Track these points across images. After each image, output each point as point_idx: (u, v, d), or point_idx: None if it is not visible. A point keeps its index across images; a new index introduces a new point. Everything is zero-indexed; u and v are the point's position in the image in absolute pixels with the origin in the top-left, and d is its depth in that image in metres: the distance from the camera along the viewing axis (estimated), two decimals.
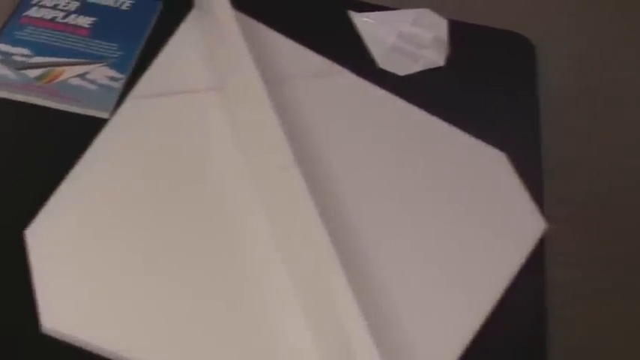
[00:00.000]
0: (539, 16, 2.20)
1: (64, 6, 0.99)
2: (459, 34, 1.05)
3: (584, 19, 2.30)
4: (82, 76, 0.91)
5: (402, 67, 1.00)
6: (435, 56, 1.02)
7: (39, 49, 0.93)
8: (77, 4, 1.00)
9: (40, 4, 0.99)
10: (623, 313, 1.66)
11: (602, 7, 2.32)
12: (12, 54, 0.92)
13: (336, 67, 0.95)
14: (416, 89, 0.97)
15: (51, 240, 0.74)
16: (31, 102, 0.88)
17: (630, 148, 1.96)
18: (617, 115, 2.05)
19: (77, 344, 0.68)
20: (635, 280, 1.72)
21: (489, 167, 0.87)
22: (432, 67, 1.01)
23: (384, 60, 1.01)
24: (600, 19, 2.30)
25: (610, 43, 2.24)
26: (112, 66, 0.93)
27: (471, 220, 0.81)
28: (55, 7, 0.99)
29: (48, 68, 0.91)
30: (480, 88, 1.00)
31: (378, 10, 1.08)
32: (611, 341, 1.59)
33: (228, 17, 0.88)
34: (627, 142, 1.98)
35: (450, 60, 1.02)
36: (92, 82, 0.91)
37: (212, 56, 0.92)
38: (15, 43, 0.93)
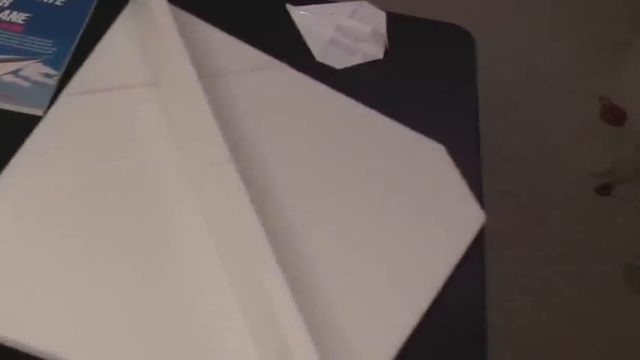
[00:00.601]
0: (479, 11, 2.23)
1: None
2: (398, 26, 1.06)
3: (521, 13, 2.34)
4: (15, 72, 0.89)
5: (339, 60, 1.01)
6: (373, 49, 1.02)
7: None
8: (11, 0, 0.97)
9: None
10: (566, 302, 1.69)
11: (539, 1, 2.37)
12: None
13: (274, 62, 0.96)
14: (354, 83, 0.98)
15: None
16: None
17: (567, 139, 2.01)
18: (554, 107, 2.09)
19: (7, 344, 0.66)
20: (575, 270, 1.75)
21: (428, 160, 0.88)
22: (370, 60, 1.02)
23: (321, 53, 1.01)
24: (536, 14, 2.34)
25: (545, 37, 2.29)
26: (47, 62, 0.91)
27: (410, 213, 0.82)
28: None
29: None
30: (418, 81, 1.01)
31: (316, 3, 1.08)
32: (555, 331, 1.62)
33: (162, 11, 0.88)
34: (564, 133, 2.03)
35: (388, 53, 1.03)
36: (26, 78, 0.89)
37: (147, 51, 0.92)
38: None
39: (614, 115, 1.98)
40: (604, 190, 1.89)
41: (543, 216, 1.84)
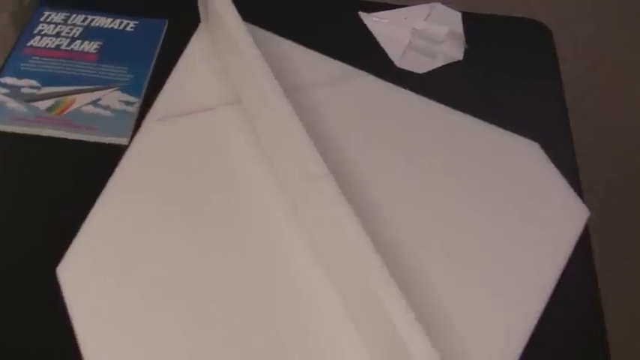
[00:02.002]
0: (546, 1, 2.21)
1: (68, 33, 0.99)
2: (474, 26, 1.06)
3: (587, 2, 2.31)
4: (94, 102, 0.90)
5: (420, 64, 1.00)
6: (452, 51, 1.02)
7: (46, 79, 0.93)
8: (80, 29, 0.99)
9: (43, 33, 0.98)
10: None
11: None
12: (19, 87, 0.92)
13: (354, 71, 0.95)
14: (437, 86, 0.97)
15: (83, 276, 0.73)
16: (45, 134, 0.88)
17: (632, 120, 1.98)
18: (625, 95, 2.06)
19: None
20: None
21: (525, 158, 0.87)
22: (450, 61, 1.02)
23: (401, 59, 1.01)
24: (603, 3, 2.32)
25: (609, 24, 2.26)
26: (125, 90, 0.92)
27: (514, 214, 0.81)
28: (58, 35, 0.98)
29: (58, 98, 0.91)
30: (501, 78, 1.00)
31: (388, 9, 1.08)
32: None
33: (239, 28, 0.88)
34: (637, 121, 2.00)
35: (468, 53, 1.03)
36: (106, 108, 0.90)
37: (226, 70, 0.92)
38: (21, 75, 0.93)
39: None
40: None
41: (625, 209, 1.82)
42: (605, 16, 2.34)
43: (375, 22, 1.05)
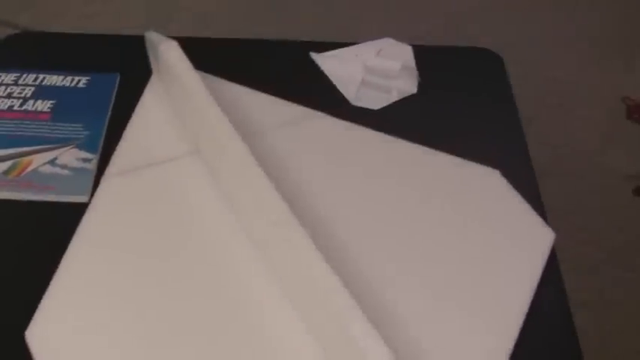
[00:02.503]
0: (482, 27, 2.25)
1: (19, 93, 0.98)
2: (425, 57, 1.07)
3: (527, 25, 2.36)
4: (52, 162, 0.90)
5: (375, 101, 1.02)
6: (406, 85, 1.03)
7: (2, 141, 0.92)
8: (32, 89, 0.99)
9: None
10: (628, 313, 1.68)
11: (541, 10, 2.39)
12: None
13: (310, 112, 0.96)
14: (394, 120, 0.99)
15: (52, 338, 0.72)
16: (3, 198, 0.87)
17: (595, 145, 2.01)
18: (577, 115, 2.10)
19: None
20: (632, 276, 1.74)
21: (487, 186, 0.88)
22: (405, 95, 1.03)
23: (356, 97, 1.02)
24: (541, 23, 2.37)
25: (555, 45, 2.31)
26: (81, 147, 0.92)
27: (482, 243, 0.82)
28: (9, 96, 0.98)
29: (15, 160, 0.90)
30: (457, 108, 1.02)
31: (339, 48, 1.09)
32: (624, 343, 1.60)
33: (191, 77, 0.89)
34: (591, 140, 2.03)
35: (422, 86, 1.04)
36: (63, 166, 0.90)
37: (182, 120, 0.92)
38: None
39: None
40: None
41: (589, 225, 1.84)
42: (550, 38, 2.38)
43: (327, 62, 1.06)
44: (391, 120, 0.99)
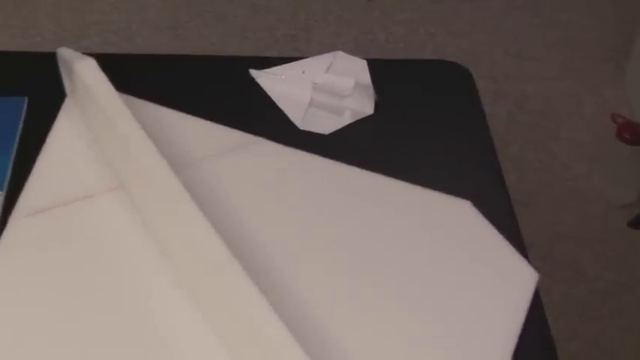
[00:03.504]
0: (451, 41, 2.29)
1: None
2: (383, 73, 1.09)
3: (499, 37, 2.40)
4: None
5: (325, 124, 1.04)
6: (361, 104, 1.05)
7: None
8: None
9: None
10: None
11: (516, 19, 2.44)
12: None
13: (250, 138, 0.97)
14: (348, 146, 1.01)
15: None
16: None
17: (581, 169, 2.04)
18: (560, 136, 2.14)
19: None
20: (627, 324, 1.77)
21: (456, 219, 0.89)
22: (360, 117, 1.05)
23: (303, 120, 1.04)
24: (516, 34, 2.41)
25: (532, 58, 2.35)
26: None
27: (453, 285, 0.83)
28: None
29: None
30: (420, 131, 1.04)
31: (282, 63, 1.10)
32: None
33: (113, 100, 0.89)
34: (577, 163, 2.07)
35: (379, 105, 1.06)
36: None
37: (102, 150, 0.92)
38: None
39: (632, 133, 2.00)
40: (638, 222, 1.91)
41: (576, 264, 1.86)
42: (523, 48, 2.42)
43: (269, 80, 1.07)
44: (344, 145, 1.01)
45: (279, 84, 1.07)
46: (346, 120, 1.04)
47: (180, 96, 1.02)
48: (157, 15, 2.43)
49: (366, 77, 1.08)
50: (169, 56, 1.12)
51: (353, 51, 1.13)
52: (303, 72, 1.08)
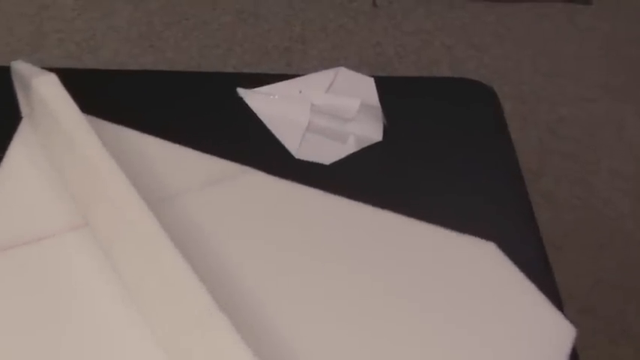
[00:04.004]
0: (472, 57, 2.29)
1: None
2: (393, 93, 1.10)
3: (526, 52, 2.40)
4: None
5: (325, 153, 1.04)
6: (368, 130, 1.06)
7: None
8: None
9: None
10: None
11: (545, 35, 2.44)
12: None
13: (239, 168, 0.97)
14: (352, 179, 1.01)
15: None
16: None
17: (626, 206, 2.04)
18: (600, 166, 2.13)
19: None
20: None
21: (479, 264, 0.90)
22: (366, 145, 1.06)
23: (299, 148, 1.04)
24: (546, 51, 2.41)
25: (565, 76, 2.34)
26: None
27: (477, 342, 0.83)
28: None
29: None
30: (436, 161, 1.05)
31: (276, 81, 1.11)
32: None
33: (77, 123, 0.90)
34: (620, 199, 2.06)
35: (389, 131, 1.07)
36: None
37: (64, 181, 0.93)
38: None
39: None
40: None
41: (621, 319, 1.85)
42: (556, 63, 2.41)
43: (260, 101, 1.08)
44: (348, 178, 1.02)
45: (271, 105, 1.08)
46: (350, 148, 1.05)
47: (154, 118, 1.03)
48: (126, 23, 2.43)
49: (373, 98, 1.08)
50: (141, 72, 1.12)
51: (357, 67, 1.12)
52: (300, 91, 1.09)
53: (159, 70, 1.11)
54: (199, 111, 1.09)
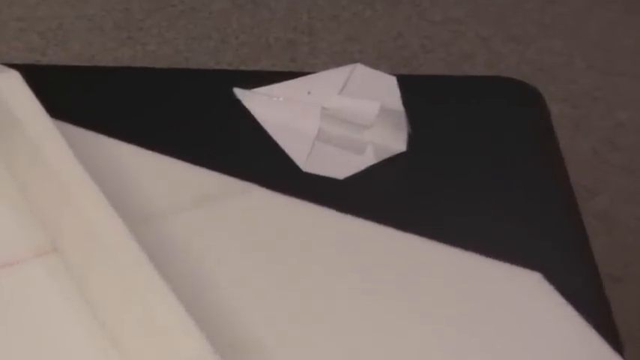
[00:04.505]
0: (516, 48, 2.29)
1: None
2: (419, 95, 1.10)
3: (570, 42, 2.40)
4: None
5: (339, 166, 1.05)
6: (389, 138, 1.07)
7: None
8: None
9: None
10: None
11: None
12: None
13: (236, 184, 0.98)
14: (370, 196, 1.02)
15: None
16: None
17: None
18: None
19: None
20: None
21: (522, 298, 0.90)
22: (388, 156, 1.06)
23: (308, 159, 1.04)
24: (600, 35, 2.41)
25: (621, 73, 2.34)
26: None
27: None
28: None
29: None
30: (470, 174, 1.06)
31: (279, 80, 1.12)
32: None
33: (45, 129, 0.90)
34: None
35: (413, 139, 1.07)
36: None
37: (29, 200, 0.94)
38: None
39: None
40: None
41: None
42: (613, 58, 2.41)
43: (261, 103, 1.09)
44: (365, 195, 1.02)
45: (274, 109, 1.08)
46: (368, 160, 1.05)
47: (134, 124, 1.04)
48: (99, 10, 2.43)
49: (395, 100, 1.09)
50: (118, 69, 1.12)
51: (376, 63, 1.13)
52: (309, 93, 1.10)
53: (139, 66, 1.11)
54: (188, 115, 1.10)
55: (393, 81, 1.10)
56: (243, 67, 1.12)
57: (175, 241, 0.92)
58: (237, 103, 1.10)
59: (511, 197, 1.04)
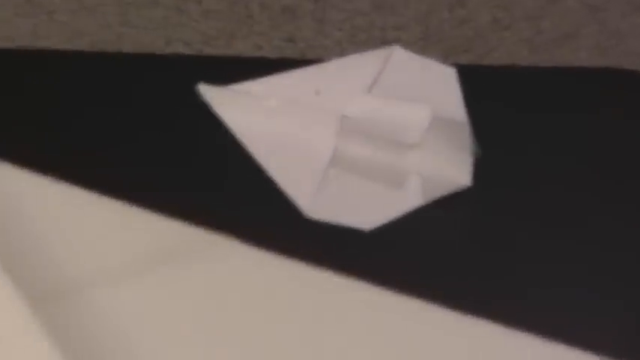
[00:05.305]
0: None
1: None
2: (490, 97, 1.11)
3: None
4: None
5: (365, 208, 1.04)
6: (445, 165, 1.05)
7: None
8: None
9: None
10: None
11: None
12: None
13: (203, 237, 0.97)
14: (412, 256, 1.01)
15: None
16: None
17: None
18: None
19: None
20: None
21: None
22: (443, 193, 1.05)
23: (315, 199, 1.04)
24: None
25: None
26: None
27: None
28: None
29: None
30: (570, 224, 1.05)
31: (274, 71, 1.11)
32: None
33: None
34: None
35: (482, 166, 1.06)
36: None
37: None
38: None
39: None
40: None
41: None
42: None
43: (242, 109, 1.09)
44: (404, 255, 1.01)
45: (262, 118, 1.08)
46: (412, 199, 1.04)
47: (48, 137, 1.06)
48: None
49: (454, 104, 1.08)
50: (34, 52, 1.12)
51: (422, 46, 1.13)
52: (318, 92, 1.09)
53: (42, 47, 1.11)
54: (127, 126, 1.09)
55: (451, 74, 1.10)
56: (209, 51, 1.09)
57: (108, 321, 0.92)
58: (203, 108, 1.09)
59: (623, 257, 1.04)
